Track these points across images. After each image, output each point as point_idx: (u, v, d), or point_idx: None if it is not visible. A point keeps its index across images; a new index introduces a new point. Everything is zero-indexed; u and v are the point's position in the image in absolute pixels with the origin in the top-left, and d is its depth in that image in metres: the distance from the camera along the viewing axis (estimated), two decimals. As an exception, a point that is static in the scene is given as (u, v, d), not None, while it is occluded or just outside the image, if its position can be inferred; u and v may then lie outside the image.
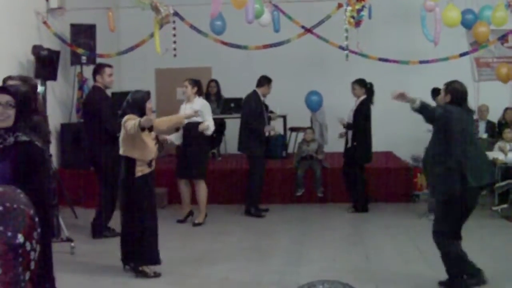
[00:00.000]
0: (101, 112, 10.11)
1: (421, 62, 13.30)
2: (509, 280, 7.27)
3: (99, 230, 10.22)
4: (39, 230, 2.24)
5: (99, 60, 12.85)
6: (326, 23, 12.61)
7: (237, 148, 12.33)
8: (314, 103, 14.35)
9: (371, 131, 12.22)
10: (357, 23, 12.03)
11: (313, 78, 15.43)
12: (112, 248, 8.87)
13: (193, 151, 10.96)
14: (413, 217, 11.64)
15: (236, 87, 14.78)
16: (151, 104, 7.96)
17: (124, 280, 7.93)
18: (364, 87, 12.13)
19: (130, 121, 7.51)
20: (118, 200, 10.18)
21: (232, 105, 14.67)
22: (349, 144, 12.12)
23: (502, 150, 11.60)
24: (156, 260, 8.01)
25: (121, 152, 7.97)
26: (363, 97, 12.10)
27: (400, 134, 15.77)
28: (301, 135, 13.51)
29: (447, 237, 7.31)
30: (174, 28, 12.60)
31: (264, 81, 12.19)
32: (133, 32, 13.85)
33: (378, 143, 12.46)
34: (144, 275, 7.93)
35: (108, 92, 10.81)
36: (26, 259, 2.23)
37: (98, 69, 10.44)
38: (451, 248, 7.28)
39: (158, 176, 13.09)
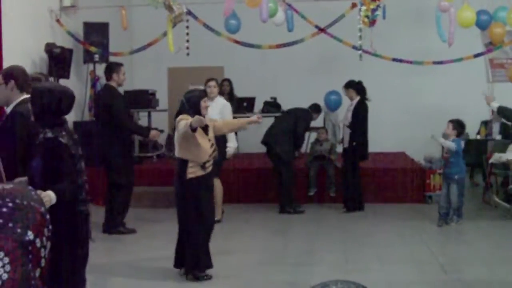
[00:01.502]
0: (116, 110, 10.19)
1: (435, 62, 13.24)
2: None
3: (113, 226, 10.25)
4: (50, 227, 2.22)
5: (112, 59, 12.86)
6: (339, 22, 12.57)
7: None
8: (333, 103, 14.34)
9: (367, 130, 12.16)
10: (372, 23, 11.97)
11: (326, 78, 15.39)
12: (124, 246, 8.86)
13: None
14: (426, 218, 11.57)
15: (248, 86, 14.79)
16: (206, 103, 7.76)
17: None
18: (354, 88, 12.09)
19: (183, 121, 7.34)
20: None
21: (245, 104, 14.66)
22: (346, 145, 12.14)
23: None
24: (208, 265, 7.82)
25: (176, 153, 7.83)
26: (357, 97, 12.05)
27: (413, 135, 15.70)
28: (313, 135, 13.46)
29: None
30: (187, 27, 12.59)
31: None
32: (146, 30, 13.85)
33: (391, 144, 12.45)
34: (196, 278, 7.75)
35: (120, 90, 10.83)
36: (36, 256, 2.20)
37: (115, 68, 10.49)
38: None
39: (168, 175, 13.22)
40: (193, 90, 8.11)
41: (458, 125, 10.89)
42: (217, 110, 10.53)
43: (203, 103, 7.62)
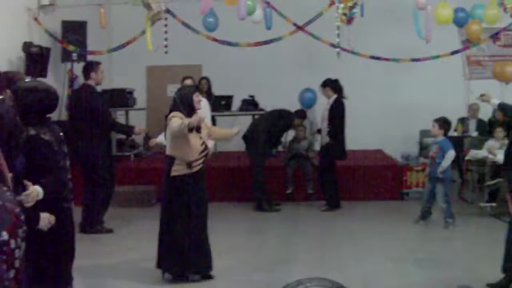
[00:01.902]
0: (99, 109, 10.19)
1: (412, 60, 13.28)
2: (494, 279, 7.27)
3: (90, 225, 10.23)
4: (24, 228, 2.22)
5: (90, 57, 12.83)
6: (318, 20, 12.59)
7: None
8: (308, 100, 14.35)
9: (345, 129, 12.16)
10: (349, 21, 12.00)
11: (305, 75, 15.40)
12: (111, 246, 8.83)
13: None
14: (402, 215, 11.64)
15: (227, 84, 14.78)
16: (198, 97, 7.65)
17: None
18: (331, 86, 12.13)
19: (176, 119, 7.22)
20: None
21: (223, 102, 14.67)
22: (323, 143, 12.19)
23: (490, 152, 11.57)
24: (198, 270, 7.70)
25: (167, 151, 7.66)
26: (334, 96, 12.07)
27: (390, 132, 15.79)
28: (291, 133, 13.48)
29: None
30: (166, 25, 12.56)
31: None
32: (125, 29, 13.78)
33: (368, 141, 12.49)
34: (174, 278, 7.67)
35: (98, 89, 10.80)
36: (11, 257, 2.21)
37: (93, 67, 10.43)
38: None
39: (147, 174, 13.22)
40: (184, 86, 8.13)
41: (445, 123, 10.91)
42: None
43: (195, 98, 7.53)
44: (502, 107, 7.79)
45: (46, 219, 4.70)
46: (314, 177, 12.72)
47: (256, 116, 14.13)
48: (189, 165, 7.40)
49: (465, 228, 10.54)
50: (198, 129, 7.42)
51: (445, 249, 9.53)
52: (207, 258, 7.71)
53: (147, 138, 15.03)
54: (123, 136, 14.15)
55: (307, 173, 12.82)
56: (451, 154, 10.59)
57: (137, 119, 14.56)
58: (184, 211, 7.48)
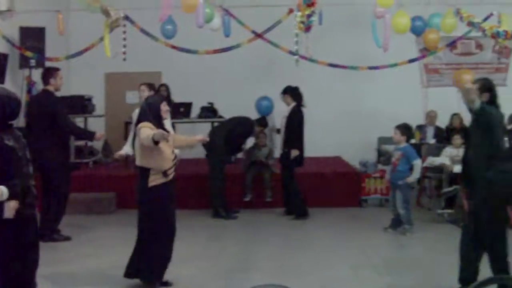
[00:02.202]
0: (60, 115, 10.18)
1: (370, 68, 13.37)
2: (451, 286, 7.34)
3: (47, 233, 10.13)
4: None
5: (48, 64, 12.74)
6: (277, 28, 12.61)
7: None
8: (264, 108, 14.36)
9: (303, 136, 12.20)
10: (307, 28, 12.04)
11: (264, 83, 15.44)
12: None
13: None
14: (361, 222, 11.74)
15: (186, 91, 14.76)
16: (166, 106, 7.61)
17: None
18: (290, 93, 12.18)
19: (145, 129, 7.20)
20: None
21: (182, 109, 14.64)
22: (282, 151, 12.21)
23: (453, 161, 11.70)
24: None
25: (136, 162, 7.58)
26: (293, 103, 12.11)
27: (348, 139, 15.89)
28: (251, 140, 13.48)
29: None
30: (125, 32, 12.50)
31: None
32: (83, 35, 13.69)
33: (327, 148, 12.55)
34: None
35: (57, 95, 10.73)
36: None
37: (52, 72, 10.42)
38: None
39: (106, 181, 13.15)
40: (152, 96, 8.06)
41: (406, 130, 10.99)
42: None
43: (163, 107, 7.51)
44: None
45: (10, 207, 4.71)
46: (272, 185, 12.76)
47: (215, 124, 14.14)
48: (165, 173, 7.38)
49: (423, 235, 10.63)
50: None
51: (403, 256, 9.61)
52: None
53: (106, 145, 14.99)
54: (82, 143, 14.08)
55: (266, 180, 12.85)
56: (418, 163, 10.73)
57: (96, 126, 14.46)
58: (163, 218, 7.49)
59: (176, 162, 7.58)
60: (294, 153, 11.88)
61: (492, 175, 6.83)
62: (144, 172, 7.38)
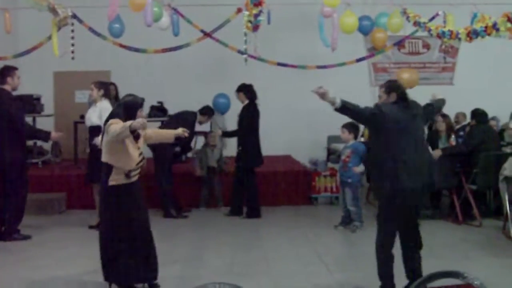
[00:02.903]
0: (15, 115, 10.14)
1: (318, 67, 13.47)
2: (401, 282, 7.42)
3: (7, 233, 10.12)
4: None
5: (-5, 63, 12.61)
6: (226, 27, 12.65)
7: None
8: (222, 106, 14.36)
9: (259, 135, 12.21)
10: (255, 28, 12.10)
11: (213, 82, 15.46)
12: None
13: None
14: (312, 220, 11.81)
15: (135, 90, 14.61)
16: (142, 113, 7.46)
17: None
18: (244, 91, 12.18)
19: (114, 125, 6.98)
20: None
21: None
22: (238, 149, 12.19)
23: None
24: (144, 279, 7.47)
25: (102, 158, 7.33)
26: (246, 101, 12.14)
27: (299, 138, 15.98)
28: (200, 139, 13.44)
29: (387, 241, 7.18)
30: (73, 31, 12.42)
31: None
32: (31, 34, 13.59)
33: (277, 147, 12.60)
34: None
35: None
36: None
37: (8, 72, 10.33)
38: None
39: (55, 181, 13.04)
40: (131, 94, 7.66)
41: (353, 129, 11.09)
42: (97, 113, 10.54)
43: (139, 113, 7.33)
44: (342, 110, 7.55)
45: None
46: (226, 185, 12.78)
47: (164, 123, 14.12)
48: (127, 175, 7.17)
49: (373, 232, 10.70)
50: (137, 136, 7.28)
51: (354, 253, 9.69)
52: (153, 266, 7.52)
53: (55, 145, 14.88)
54: (30, 143, 13.95)
55: (217, 190, 12.89)
56: (360, 168, 10.88)
57: (45, 125, 14.25)
58: (124, 220, 7.24)
59: (142, 164, 7.42)
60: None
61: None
62: (107, 169, 7.21)
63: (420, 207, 7.48)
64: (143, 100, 7.53)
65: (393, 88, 7.15)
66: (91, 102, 11.35)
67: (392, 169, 6.75)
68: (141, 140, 7.45)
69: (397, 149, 6.78)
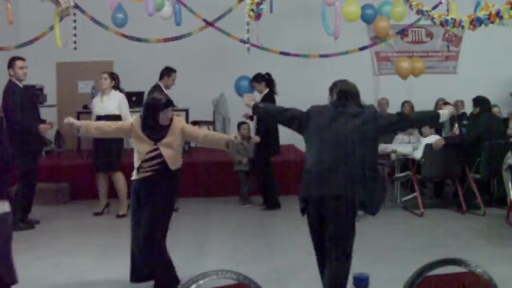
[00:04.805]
0: (8, 106, 10.21)
1: (321, 56, 13.45)
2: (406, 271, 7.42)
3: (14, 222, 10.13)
4: None
5: (-3, 53, 12.63)
6: (228, 16, 12.63)
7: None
8: (244, 88, 14.28)
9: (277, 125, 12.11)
10: (257, 16, 12.06)
11: (215, 71, 15.47)
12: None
13: (110, 145, 10.94)
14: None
15: (137, 80, 14.69)
16: (166, 114, 6.96)
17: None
18: (263, 80, 12.12)
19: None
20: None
21: (134, 98, 14.58)
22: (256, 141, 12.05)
23: (394, 152, 11.89)
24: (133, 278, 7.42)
25: None
26: (265, 90, 12.08)
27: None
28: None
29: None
30: (75, 21, 12.42)
31: (165, 72, 12.17)
32: (33, 24, 13.57)
33: (281, 136, 12.49)
34: None
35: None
36: None
37: (9, 63, 10.43)
38: None
39: (59, 171, 13.04)
40: (158, 94, 7.40)
41: None
42: (116, 103, 10.62)
43: (162, 115, 6.92)
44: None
45: None
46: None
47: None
48: (137, 170, 7.05)
49: (376, 221, 10.71)
50: (156, 134, 7.03)
51: (356, 241, 9.66)
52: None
53: (59, 135, 14.88)
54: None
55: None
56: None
57: (48, 116, 14.30)
58: (132, 216, 7.28)
59: (156, 162, 6.95)
60: (256, 139, 11.79)
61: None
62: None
63: (335, 221, 6.66)
64: (167, 101, 7.02)
65: (333, 87, 6.90)
66: (95, 92, 11.34)
67: (302, 177, 6.50)
68: (169, 137, 7.03)
69: (309, 155, 6.44)
